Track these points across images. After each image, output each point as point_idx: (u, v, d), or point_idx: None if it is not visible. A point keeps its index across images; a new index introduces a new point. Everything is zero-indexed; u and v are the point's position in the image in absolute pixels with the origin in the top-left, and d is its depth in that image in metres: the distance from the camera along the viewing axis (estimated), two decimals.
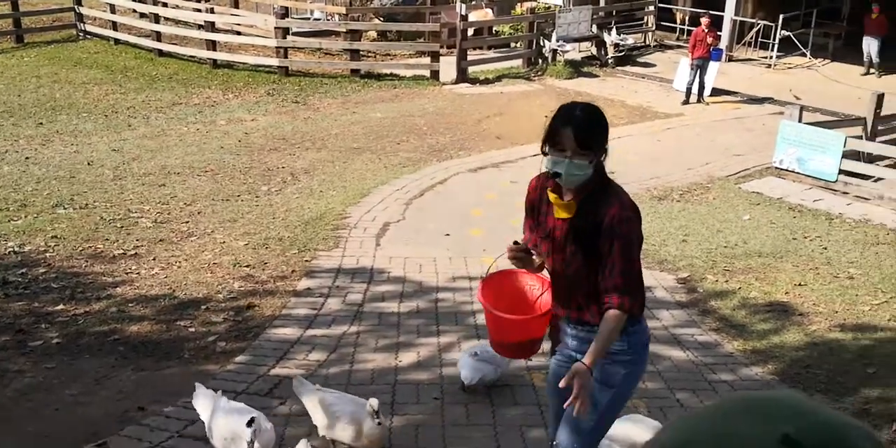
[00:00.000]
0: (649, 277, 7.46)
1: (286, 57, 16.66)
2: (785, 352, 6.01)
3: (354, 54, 16.54)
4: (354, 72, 16.31)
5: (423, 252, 7.76)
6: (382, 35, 19.20)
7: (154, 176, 10.06)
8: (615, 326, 3.09)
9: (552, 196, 3.23)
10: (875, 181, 11.33)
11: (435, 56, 16.45)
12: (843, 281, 7.29)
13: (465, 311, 6.48)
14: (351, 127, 12.82)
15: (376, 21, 19.07)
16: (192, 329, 6.14)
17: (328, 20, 19.27)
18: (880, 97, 12.35)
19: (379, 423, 4.23)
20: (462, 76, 16.30)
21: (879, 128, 12.52)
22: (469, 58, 16.90)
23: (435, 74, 16.27)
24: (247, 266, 7.26)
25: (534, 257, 3.37)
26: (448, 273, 7.24)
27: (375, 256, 7.58)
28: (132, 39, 18.42)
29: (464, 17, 16.74)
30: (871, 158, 12.01)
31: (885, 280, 7.27)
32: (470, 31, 18.14)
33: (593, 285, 3.17)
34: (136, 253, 7.60)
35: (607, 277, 3.11)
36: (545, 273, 3.46)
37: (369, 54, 18.27)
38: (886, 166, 11.96)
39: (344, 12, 18.86)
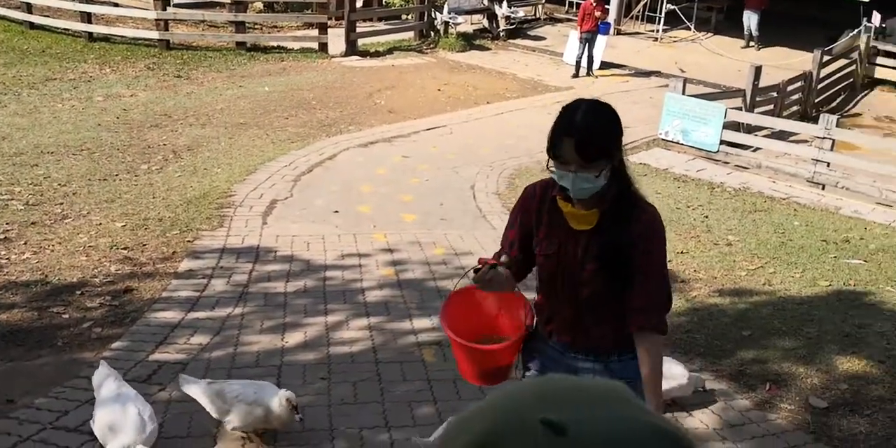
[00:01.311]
0: None
1: (167, 30, 16.00)
2: (668, 318, 6.14)
3: (240, 26, 16.03)
4: (240, 45, 15.82)
5: (312, 229, 7.60)
6: (269, 7, 18.69)
7: (26, 155, 9.51)
8: (661, 353, 2.75)
9: (565, 205, 2.77)
10: (754, 151, 11.76)
11: (323, 28, 16.12)
12: (722, 248, 7.52)
13: (354, 288, 6.38)
14: (237, 101, 12.44)
15: None
16: (66, 315, 5.83)
17: None
18: (758, 70, 12.78)
19: (301, 420, 4.13)
20: (352, 49, 16.03)
21: (758, 99, 12.98)
22: (359, 30, 16.63)
23: (324, 47, 15.95)
24: (125, 248, 6.95)
25: (503, 273, 2.79)
26: (337, 250, 7.12)
27: (262, 235, 7.38)
28: (0, 11, 17.34)
29: None
30: (750, 129, 12.45)
31: (760, 246, 7.54)
32: (359, 3, 17.86)
33: (612, 308, 2.77)
34: (5, 237, 7.17)
35: (637, 296, 2.71)
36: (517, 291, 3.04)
37: (255, 26, 17.76)
38: (764, 136, 12.43)
39: None
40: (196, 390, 4.32)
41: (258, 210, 8.04)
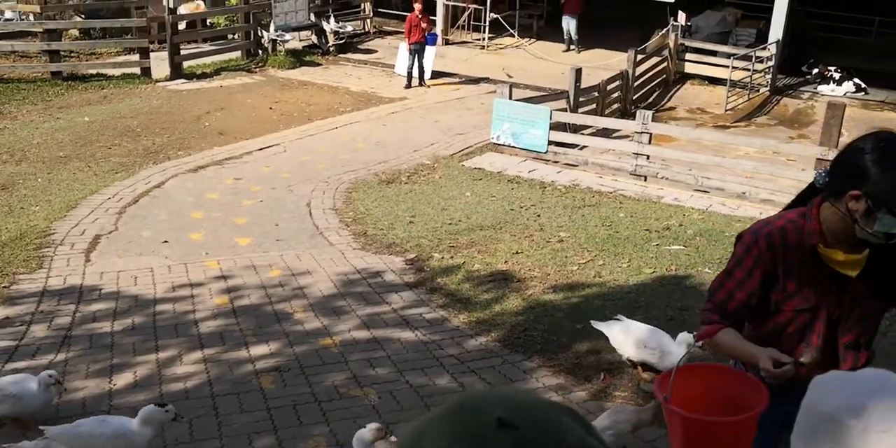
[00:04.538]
0: (378, 262, 7.54)
1: None
2: (506, 318, 6.29)
3: (54, 55, 15.23)
4: (56, 74, 15.03)
5: (139, 263, 7.30)
6: (85, 33, 17.86)
7: None
8: None
9: (836, 254, 2.54)
10: (580, 149, 12.23)
11: (145, 52, 15.56)
12: (554, 245, 7.76)
13: (187, 320, 6.17)
14: (55, 134, 11.80)
15: (77, 19, 17.68)
16: None
17: (22, 20, 17.58)
18: (578, 72, 13.29)
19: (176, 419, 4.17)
20: (177, 72, 15.55)
21: (581, 99, 13.49)
22: (183, 52, 16.15)
23: (147, 72, 15.40)
24: None
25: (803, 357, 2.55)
26: (167, 282, 6.86)
27: (85, 273, 7.02)
28: None
29: (172, 11, 15.96)
30: (575, 128, 12.93)
31: (589, 239, 7.83)
32: (182, 25, 17.35)
33: (871, 338, 2.68)
34: None
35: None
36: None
37: (72, 55, 16.93)
38: (589, 134, 12.94)
39: (39, 11, 17.28)
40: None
41: (80, 247, 7.65)
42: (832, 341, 2.65)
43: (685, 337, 4.93)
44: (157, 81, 15.28)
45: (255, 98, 14.60)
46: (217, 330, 6.02)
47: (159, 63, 15.57)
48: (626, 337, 5.23)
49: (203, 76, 15.97)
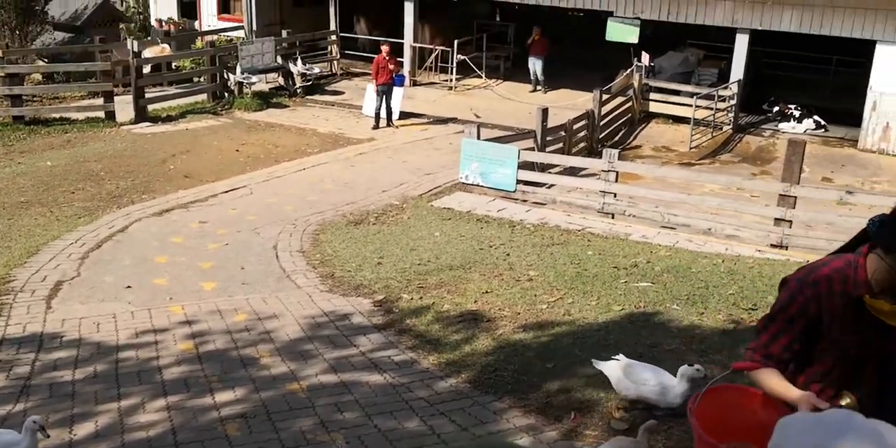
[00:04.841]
0: (346, 304, 7.45)
1: None
2: (476, 359, 6.21)
3: (16, 100, 15.11)
4: (17, 119, 14.90)
5: (102, 309, 7.15)
6: (49, 77, 17.78)
7: None
8: None
9: (882, 304, 2.56)
10: (549, 187, 12.30)
11: (109, 96, 15.49)
12: (523, 283, 7.73)
13: (150, 367, 6.02)
14: (16, 179, 11.64)
15: (40, 62, 17.62)
16: None
17: None
18: (545, 111, 13.44)
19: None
20: (142, 115, 15.49)
21: (548, 138, 13.62)
22: (148, 95, 16.13)
23: (111, 115, 15.32)
24: None
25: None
26: (130, 329, 6.71)
27: (46, 320, 6.86)
28: None
29: (137, 54, 15.96)
30: (543, 167, 13.02)
31: (558, 278, 7.81)
32: (147, 68, 17.33)
33: None
34: None
35: None
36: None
37: (34, 99, 16.81)
38: (557, 173, 13.04)
39: (0, 55, 17.19)
40: None
41: (41, 294, 7.48)
42: (876, 389, 2.66)
43: (686, 370, 4.90)
44: (121, 125, 15.20)
45: (222, 140, 14.56)
46: (181, 376, 5.88)
47: (124, 106, 15.52)
48: (626, 375, 5.18)
49: (168, 119, 15.92)
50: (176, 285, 7.88)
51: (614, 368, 5.30)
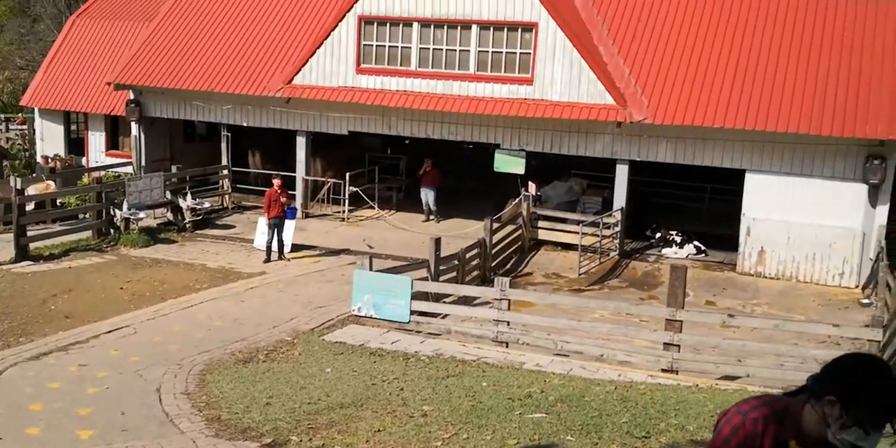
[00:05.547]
0: None
1: None
2: None
3: None
4: None
5: None
6: None
7: None
8: None
9: None
10: (443, 317, 12.28)
11: None
12: (417, 420, 7.55)
13: None
14: None
15: None
16: None
17: None
18: (438, 241, 13.62)
19: None
20: (23, 254, 14.93)
21: (441, 268, 13.74)
22: (31, 233, 15.62)
23: None
24: None
25: None
26: None
27: None
28: None
29: (20, 192, 15.56)
30: (437, 297, 13.05)
31: (453, 412, 7.67)
32: (31, 206, 16.88)
33: None
34: None
35: None
36: None
37: None
38: (451, 302, 13.08)
39: None
40: None
41: None
42: None
43: None
44: (0, 265, 14.57)
45: (106, 278, 14.10)
46: None
47: (4, 245, 14.96)
48: None
49: (51, 257, 15.39)
50: (50, 434, 7.36)
51: None
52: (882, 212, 15.34)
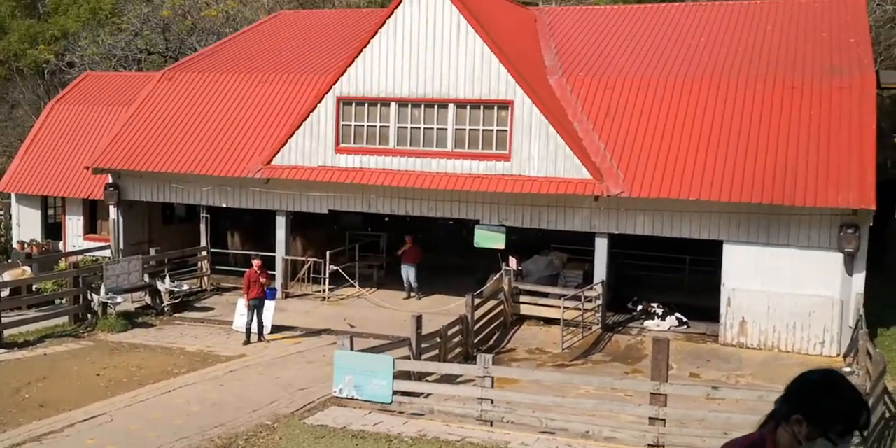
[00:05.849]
0: None
1: None
2: None
3: None
4: None
5: None
6: None
7: None
8: None
9: None
10: (426, 397, 12.08)
11: None
12: None
13: None
14: None
15: None
16: None
17: None
18: (419, 319, 13.51)
19: None
20: None
21: (423, 346, 13.58)
22: (5, 320, 15.36)
23: None
24: None
25: None
26: None
27: None
28: None
29: None
30: (420, 375, 12.86)
31: None
32: (6, 292, 16.67)
33: None
34: None
35: None
36: None
37: None
38: (434, 381, 12.89)
39: None
40: None
41: None
42: None
43: None
44: None
45: (82, 365, 13.83)
46: None
47: None
48: None
49: (25, 344, 15.12)
50: None
51: None
52: (859, 280, 15.44)
